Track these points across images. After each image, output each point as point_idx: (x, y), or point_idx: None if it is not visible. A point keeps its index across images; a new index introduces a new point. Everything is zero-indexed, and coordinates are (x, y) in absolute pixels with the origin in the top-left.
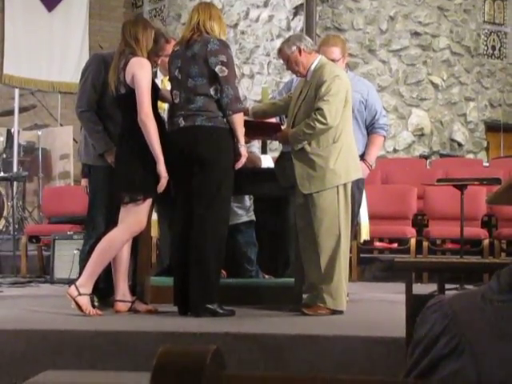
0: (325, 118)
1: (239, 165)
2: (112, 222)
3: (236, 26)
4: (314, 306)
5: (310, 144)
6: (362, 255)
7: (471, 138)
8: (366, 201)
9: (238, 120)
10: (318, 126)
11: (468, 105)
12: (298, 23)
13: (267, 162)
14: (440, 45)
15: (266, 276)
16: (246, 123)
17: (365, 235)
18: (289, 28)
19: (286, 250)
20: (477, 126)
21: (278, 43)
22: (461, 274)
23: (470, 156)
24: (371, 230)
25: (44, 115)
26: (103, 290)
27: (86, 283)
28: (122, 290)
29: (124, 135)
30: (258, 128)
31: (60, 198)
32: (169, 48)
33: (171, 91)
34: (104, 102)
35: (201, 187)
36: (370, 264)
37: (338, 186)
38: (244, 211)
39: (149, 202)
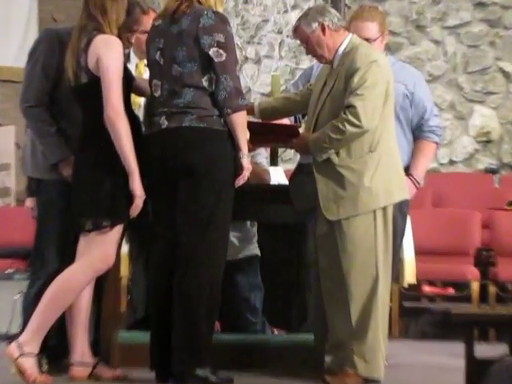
0: (358, 119)
1: (241, 181)
2: (68, 257)
3: None
4: (340, 372)
5: (338, 153)
6: (405, 304)
7: None
8: (411, 230)
9: (240, 120)
10: (350, 129)
11: None
12: None
13: (278, 176)
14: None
15: (276, 330)
16: (251, 125)
17: (410, 277)
18: None
19: (302, 295)
20: None
21: (293, 17)
22: None
23: None
24: (418, 269)
25: None
26: (55, 349)
27: (31, 340)
28: (81, 348)
29: (85, 139)
30: (267, 132)
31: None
32: (146, 22)
33: (150, 80)
34: (59, 94)
35: (189, 209)
36: (417, 316)
37: (375, 211)
38: (246, 243)
39: (118, 229)
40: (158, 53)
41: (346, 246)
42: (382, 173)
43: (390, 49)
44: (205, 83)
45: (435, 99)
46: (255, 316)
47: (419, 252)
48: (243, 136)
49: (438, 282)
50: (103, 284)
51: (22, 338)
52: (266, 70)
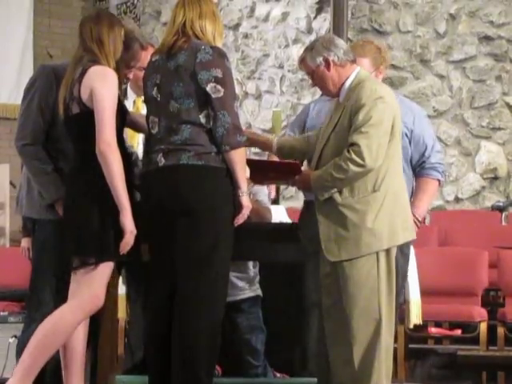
0: (362, 158)
1: (240, 219)
2: (63, 299)
3: (237, 26)
4: None
5: (340, 192)
6: (411, 346)
7: None
8: (416, 270)
9: (238, 158)
10: (353, 168)
11: None
12: (323, 24)
13: (279, 214)
14: None
15: (278, 374)
16: (252, 163)
17: (415, 318)
18: (310, 30)
19: (304, 337)
20: None
21: (294, 51)
22: None
23: None
24: (424, 310)
25: None
26: None
27: None
28: None
29: (75, 173)
30: (269, 169)
31: None
32: (145, 57)
33: (147, 117)
34: (55, 131)
35: (188, 249)
36: (423, 358)
37: (378, 252)
38: (247, 284)
39: (107, 267)
40: (155, 89)
41: (348, 287)
42: (385, 213)
43: (393, 83)
44: (202, 120)
45: (440, 135)
46: (257, 359)
47: (425, 292)
48: (242, 173)
49: (444, 322)
50: (99, 327)
51: (10, 383)
52: (266, 106)
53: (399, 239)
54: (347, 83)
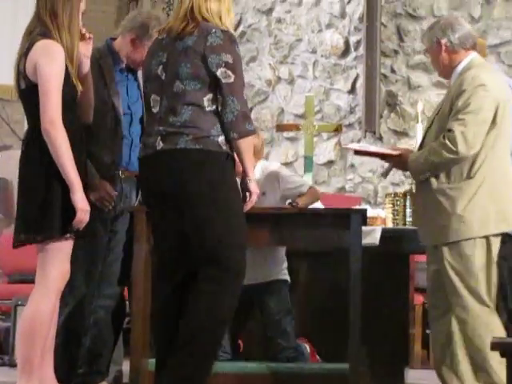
0: (455, 145)
1: (249, 205)
2: (94, 281)
3: (270, 11)
4: None
5: (437, 178)
6: None
7: None
8: None
9: (247, 147)
10: (446, 154)
11: None
12: (357, 8)
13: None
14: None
15: (317, 357)
16: (359, 153)
17: None
18: (343, 15)
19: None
20: None
21: (327, 35)
22: None
23: None
24: None
25: (4, 133)
26: (84, 376)
27: None
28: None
29: (24, 149)
30: (373, 155)
31: (25, 247)
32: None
33: (148, 95)
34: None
35: (194, 240)
36: None
37: (475, 240)
38: (275, 266)
39: (64, 244)
40: (160, 67)
41: (447, 272)
42: (478, 202)
43: (427, 69)
44: (205, 103)
45: None
46: (287, 340)
47: None
48: (249, 161)
49: None
50: (124, 313)
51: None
52: (299, 91)
53: (491, 229)
54: (459, 68)
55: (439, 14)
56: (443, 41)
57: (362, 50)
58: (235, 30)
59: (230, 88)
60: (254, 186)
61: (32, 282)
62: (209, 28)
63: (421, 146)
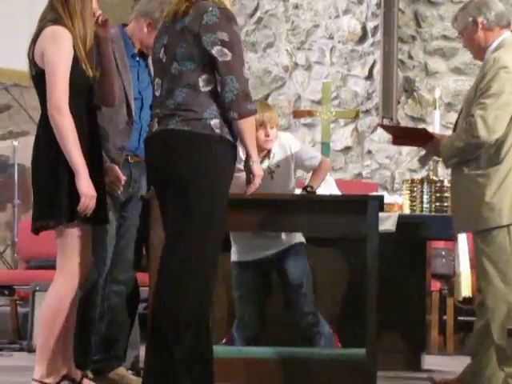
0: (475, 130)
1: (252, 188)
2: (106, 267)
3: None
4: None
5: (467, 164)
6: (460, 318)
7: None
8: (466, 243)
9: (248, 127)
10: (468, 139)
11: None
12: None
13: (329, 186)
14: None
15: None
16: (390, 129)
17: (465, 290)
18: (360, 0)
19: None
20: None
21: (345, 22)
22: None
23: None
24: (474, 282)
25: (22, 119)
26: (100, 363)
27: (46, 371)
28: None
29: (36, 135)
30: (404, 135)
31: (43, 233)
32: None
33: (153, 79)
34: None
35: (175, 223)
36: (473, 331)
37: (509, 227)
38: (289, 234)
39: (77, 230)
40: (162, 50)
41: (481, 260)
42: (508, 188)
43: (444, 54)
44: (201, 83)
45: None
46: (307, 305)
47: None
48: (252, 142)
49: None
50: (134, 297)
51: (37, 375)
52: (316, 77)
53: None
54: (491, 48)
55: (457, 0)
56: (480, 19)
57: (379, 35)
58: (252, 15)
59: (228, 66)
60: (257, 168)
61: (50, 267)
62: (205, 7)
63: (453, 131)
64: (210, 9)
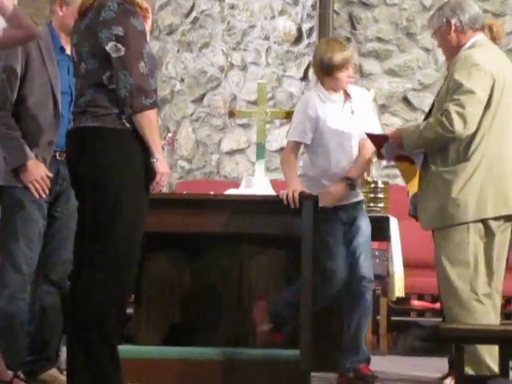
0: (451, 124)
1: (156, 187)
2: (33, 265)
3: None
4: None
5: (435, 161)
6: (393, 318)
7: None
8: (399, 243)
9: (145, 122)
10: (441, 132)
11: None
12: None
13: (264, 187)
14: (506, 28)
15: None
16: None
17: (398, 291)
18: (296, 1)
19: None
20: None
21: (280, 22)
22: None
23: None
24: (407, 283)
25: None
26: (31, 364)
27: None
28: None
29: None
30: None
31: None
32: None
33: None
34: (24, 94)
35: (84, 224)
36: (406, 331)
37: (468, 224)
38: None
39: None
40: (74, 49)
41: (440, 257)
42: (475, 184)
43: (379, 56)
44: (105, 81)
45: (425, 108)
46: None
47: (408, 265)
48: (153, 138)
49: (427, 295)
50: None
51: None
52: (252, 77)
53: (488, 212)
54: (463, 49)
55: (391, 3)
56: (453, 20)
57: (314, 37)
58: (187, 15)
59: (122, 62)
60: (161, 166)
61: None
62: (106, 2)
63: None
64: (109, 4)
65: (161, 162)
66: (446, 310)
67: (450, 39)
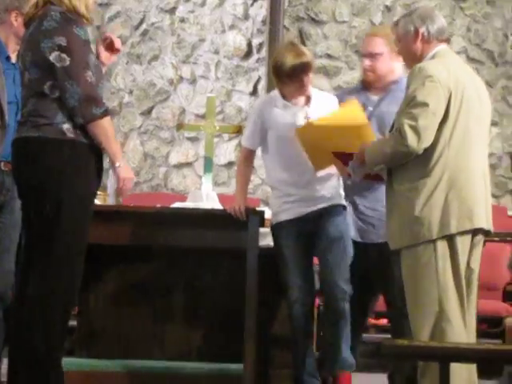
0: (405, 139)
1: (121, 193)
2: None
3: (173, 10)
4: None
5: (397, 179)
6: None
7: (493, 177)
8: None
9: (100, 130)
10: (396, 146)
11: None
12: (260, 10)
13: (211, 200)
14: (453, 47)
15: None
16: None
17: None
18: (246, 16)
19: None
20: (500, 161)
21: (230, 36)
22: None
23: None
24: None
25: None
26: None
27: None
28: None
29: None
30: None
31: None
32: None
33: None
34: None
35: (39, 237)
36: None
37: (435, 242)
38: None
39: None
40: (20, 59)
41: (405, 277)
42: (437, 201)
43: (328, 73)
44: (47, 91)
45: None
46: (341, 278)
47: None
48: (109, 145)
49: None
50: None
51: None
52: (201, 91)
53: (451, 228)
54: (425, 59)
55: (341, 20)
56: (421, 30)
57: (264, 52)
58: (137, 27)
59: (67, 72)
60: (123, 171)
61: None
62: (48, 12)
63: None
64: (52, 13)
65: (122, 168)
66: (414, 330)
67: (414, 48)
